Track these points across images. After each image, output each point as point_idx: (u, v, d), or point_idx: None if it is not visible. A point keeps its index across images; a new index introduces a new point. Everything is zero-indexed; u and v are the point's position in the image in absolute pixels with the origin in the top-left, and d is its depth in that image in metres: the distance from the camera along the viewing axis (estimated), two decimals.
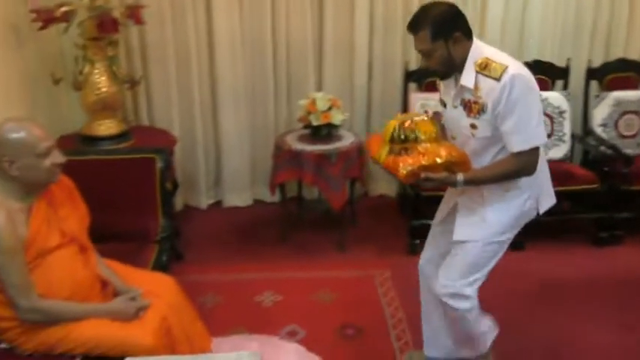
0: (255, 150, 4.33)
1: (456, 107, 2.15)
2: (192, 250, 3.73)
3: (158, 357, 2.01)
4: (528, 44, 4.19)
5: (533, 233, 3.69)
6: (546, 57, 4.13)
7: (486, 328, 2.48)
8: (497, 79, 1.99)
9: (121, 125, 3.55)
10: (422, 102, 3.91)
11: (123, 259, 2.51)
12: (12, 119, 2.13)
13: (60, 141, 3.47)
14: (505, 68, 1.99)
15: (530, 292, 3.32)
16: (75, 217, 2.28)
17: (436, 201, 3.61)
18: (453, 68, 2.10)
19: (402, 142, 2.09)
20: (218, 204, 4.42)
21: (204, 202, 4.34)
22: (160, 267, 2.79)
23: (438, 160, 2.05)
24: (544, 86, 4.02)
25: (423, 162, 2.04)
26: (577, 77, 4.12)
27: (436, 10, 2.05)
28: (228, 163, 4.31)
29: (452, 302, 2.26)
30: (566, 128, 3.91)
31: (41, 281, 2.08)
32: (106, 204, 2.88)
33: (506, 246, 2.28)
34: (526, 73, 2.03)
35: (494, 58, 2.04)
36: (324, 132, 3.70)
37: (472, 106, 2.09)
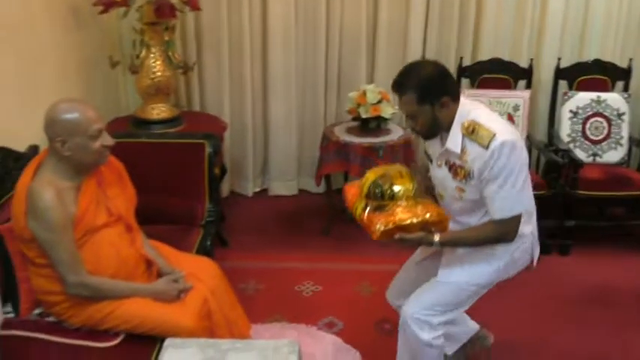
0: (302, 140, 4.33)
1: (440, 166, 2.10)
2: (236, 236, 3.76)
3: (197, 339, 2.04)
4: (589, 42, 4.04)
5: (580, 238, 3.64)
6: (607, 56, 3.98)
7: None
8: (485, 147, 1.92)
9: (173, 110, 3.59)
10: (473, 99, 3.83)
11: (168, 241, 2.55)
12: (66, 100, 2.17)
13: (114, 123, 3.55)
14: (493, 135, 1.92)
15: (575, 298, 3.22)
16: (122, 197, 2.32)
17: None
18: (438, 130, 2.04)
19: (378, 198, 2.04)
20: (264, 192, 4.44)
21: (250, 189, 4.37)
22: (204, 251, 2.82)
23: (415, 220, 1.99)
24: (603, 87, 3.88)
25: (398, 222, 1.98)
26: (639, 79, 3.96)
27: (423, 72, 1.98)
28: (276, 152, 4.32)
29: (415, 327, 2.15)
30: (624, 131, 3.77)
31: (88, 258, 2.14)
32: (154, 186, 2.94)
33: (489, 288, 2.20)
34: (514, 137, 1.96)
35: (482, 121, 1.97)
36: (372, 125, 3.67)
37: (458, 170, 2.03)
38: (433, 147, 2.13)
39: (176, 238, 2.71)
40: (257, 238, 3.81)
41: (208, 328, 2.23)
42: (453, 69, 4.07)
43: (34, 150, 2.61)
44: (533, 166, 4.02)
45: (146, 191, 2.52)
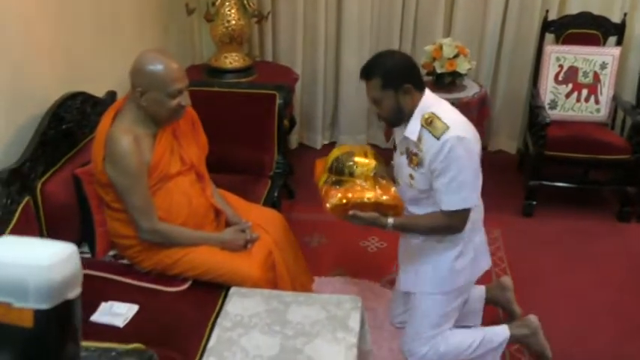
0: None
1: (402, 154, 2.14)
2: (303, 189, 3.76)
3: (261, 289, 2.06)
4: None
5: None
6: None
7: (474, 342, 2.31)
8: (437, 138, 1.95)
9: (245, 59, 3.58)
10: (557, 55, 3.62)
11: (236, 190, 2.57)
12: (155, 51, 2.16)
13: (188, 71, 3.55)
14: (446, 128, 1.95)
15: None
16: (195, 146, 2.34)
17: (559, 161, 3.45)
18: (401, 118, 2.07)
19: (338, 174, 2.11)
20: (333, 145, 4.41)
21: (319, 141, 4.36)
22: (271, 202, 2.84)
23: (366, 200, 2.03)
24: None
25: (350, 199, 2.03)
26: None
27: (390, 60, 2.05)
28: (346, 105, 4.27)
29: (409, 357, 2.28)
30: None
31: (161, 205, 2.18)
32: (224, 136, 2.96)
33: (456, 303, 2.21)
34: (469, 135, 1.98)
35: (440, 115, 1.99)
36: (447, 80, 3.57)
37: (412, 157, 2.07)
38: (397, 135, 2.18)
39: (244, 189, 2.74)
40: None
41: (272, 279, 2.26)
42: (537, 23, 3.86)
43: (111, 96, 2.66)
44: (618, 129, 3.80)
45: (216, 140, 2.54)
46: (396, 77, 2.01)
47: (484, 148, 4.24)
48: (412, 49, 4.07)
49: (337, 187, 2.08)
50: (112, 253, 2.35)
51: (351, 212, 2.04)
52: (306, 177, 3.97)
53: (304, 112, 4.30)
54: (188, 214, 2.23)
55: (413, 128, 2.02)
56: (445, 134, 1.94)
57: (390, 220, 2.06)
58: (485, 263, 2.24)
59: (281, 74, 3.67)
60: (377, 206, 2.05)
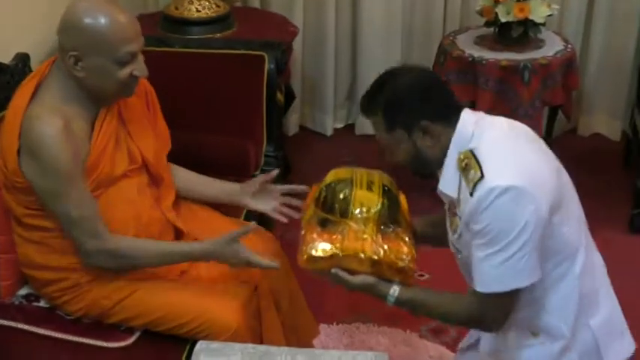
0: (409, 54, 4.27)
1: (446, 212, 2.10)
2: (305, 194, 3.74)
3: (242, 345, 2.05)
4: None
5: None
6: None
7: None
8: (470, 194, 1.88)
9: (220, 5, 3.58)
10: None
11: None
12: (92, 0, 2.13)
13: None
14: (479, 179, 1.86)
15: None
16: (151, 135, 2.34)
17: None
18: (430, 166, 2.03)
19: (327, 210, 2.05)
20: (349, 129, 4.43)
21: (329, 124, 4.37)
22: (257, 216, 2.77)
23: (361, 255, 1.97)
24: None
25: (337, 251, 1.97)
26: None
27: (394, 84, 1.99)
28: (369, 71, 4.23)
29: None
30: None
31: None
32: (189, 117, 2.96)
33: None
34: (519, 182, 1.85)
35: (480, 153, 1.90)
36: (516, 33, 3.57)
37: (452, 220, 2.04)
38: None
39: None
40: None
41: (256, 328, 2.27)
42: None
43: (22, 60, 2.65)
44: None
45: (177, 124, 2.53)
46: (404, 112, 1.96)
47: (571, 131, 4.31)
48: None
49: (321, 228, 2.03)
50: (23, 291, 2.34)
51: (333, 270, 2.00)
52: (312, 176, 3.94)
53: (307, 83, 4.30)
54: (135, 233, 2.23)
55: (448, 178, 1.98)
56: (479, 187, 1.86)
57: (394, 291, 2.01)
58: (629, 347, 2.13)
59: (272, 27, 3.66)
60: (376, 266, 2.00)
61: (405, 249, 2.02)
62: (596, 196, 3.77)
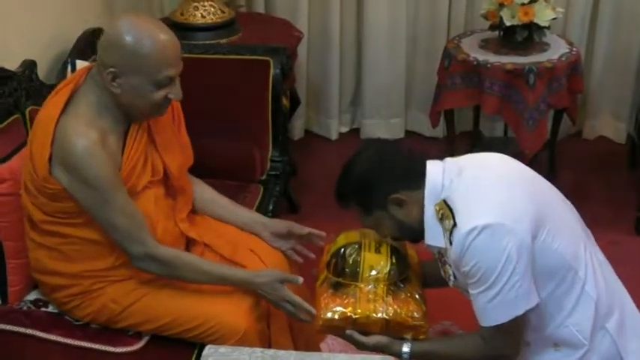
0: (414, 58, 4.27)
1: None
2: (311, 198, 3.76)
3: (250, 349, 2.05)
4: None
5: None
6: None
7: None
8: (450, 243, 1.95)
9: (225, 11, 3.59)
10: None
11: None
12: (140, 17, 2.14)
13: None
14: (452, 227, 1.93)
15: None
16: (176, 147, 2.34)
17: None
18: (417, 231, 2.06)
19: (338, 274, 2.13)
20: (354, 133, 4.43)
21: (334, 129, 4.37)
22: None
23: (373, 316, 2.05)
24: None
25: (350, 312, 2.05)
26: None
27: (355, 171, 2.08)
28: (374, 76, 4.27)
29: None
30: None
31: None
32: (195, 123, 2.91)
33: None
34: (493, 219, 1.89)
35: (452, 201, 1.96)
36: (521, 36, 3.58)
37: (445, 269, 2.10)
38: None
39: None
40: None
41: (265, 332, 2.26)
42: None
43: (30, 68, 2.66)
44: None
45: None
46: (373, 194, 2.04)
47: (577, 134, 4.31)
48: None
49: (334, 292, 2.11)
50: (30, 297, 2.35)
51: (348, 332, 2.08)
52: (317, 181, 3.98)
53: (312, 87, 4.30)
54: None
55: (432, 231, 2.02)
56: (455, 234, 1.92)
57: (407, 347, 2.06)
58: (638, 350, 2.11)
59: (277, 32, 3.68)
60: (388, 325, 2.07)
61: (416, 306, 2.08)
62: (601, 198, 3.81)
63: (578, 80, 3.63)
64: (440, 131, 4.18)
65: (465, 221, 1.90)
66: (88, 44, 2.97)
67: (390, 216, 2.05)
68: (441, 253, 2.07)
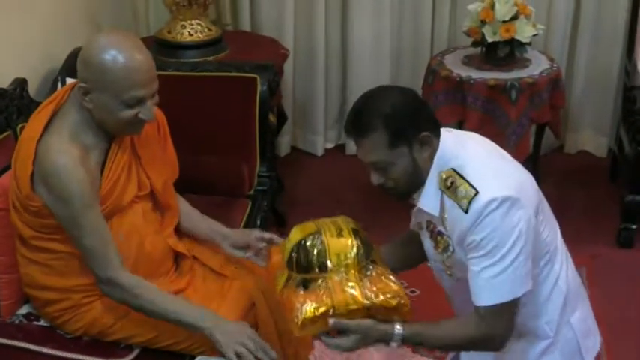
0: (398, 74, 4.30)
1: (422, 229, 2.09)
2: (298, 212, 3.75)
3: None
4: None
5: None
6: None
7: None
8: (464, 210, 1.88)
9: (212, 29, 3.62)
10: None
11: None
12: (115, 35, 2.14)
13: None
14: (474, 195, 1.87)
15: None
16: (161, 162, 2.36)
17: None
18: (419, 183, 1.99)
19: (303, 269, 1.96)
20: (340, 150, 4.45)
21: (320, 145, 4.40)
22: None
23: (353, 305, 1.91)
24: None
25: (327, 306, 1.90)
26: None
27: (389, 101, 1.94)
28: (359, 93, 4.03)
29: None
30: None
31: None
32: (183, 139, 2.93)
33: None
34: (512, 192, 1.88)
35: (466, 172, 1.91)
36: (502, 53, 3.61)
37: (438, 239, 2.00)
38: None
39: (213, 214, 2.71)
40: (328, 216, 3.78)
41: None
42: None
43: (21, 86, 2.69)
44: None
45: (172, 145, 2.54)
46: (407, 125, 1.92)
47: (559, 149, 4.36)
48: (451, 9, 4.13)
49: (304, 290, 1.94)
50: (23, 310, 2.37)
51: (331, 322, 1.92)
52: (304, 196, 4.00)
53: (298, 104, 4.33)
54: (137, 258, 2.25)
55: (429, 196, 1.97)
56: (474, 202, 1.87)
57: (399, 329, 1.95)
58: (596, 340, 2.17)
59: (263, 50, 3.70)
60: (371, 311, 1.94)
61: (394, 286, 1.96)
62: (583, 211, 3.84)
63: (560, 95, 3.67)
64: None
65: (486, 191, 1.86)
66: (77, 62, 3.02)
67: (411, 155, 1.93)
68: (432, 223, 2.00)
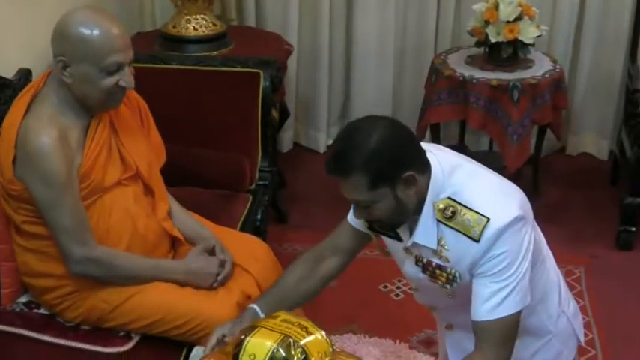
0: (401, 73, 4.32)
1: (405, 260, 2.01)
2: (299, 209, 3.80)
3: None
4: None
5: None
6: None
7: None
8: (476, 240, 1.83)
9: (217, 24, 3.63)
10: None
11: (202, 211, 2.59)
12: (88, 9, 2.21)
13: (134, 40, 3.59)
14: (486, 222, 1.82)
15: None
16: (144, 147, 2.38)
17: None
18: (405, 219, 1.92)
19: None
20: None
21: (323, 142, 4.41)
22: (253, 228, 2.88)
23: None
24: None
25: None
26: None
27: (371, 139, 1.82)
28: (362, 90, 4.34)
29: None
30: None
31: (94, 228, 2.22)
32: (185, 132, 3.00)
33: None
34: (518, 211, 1.85)
35: (465, 199, 1.86)
36: (506, 53, 3.62)
37: (437, 273, 1.93)
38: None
39: (213, 208, 2.77)
40: (330, 214, 3.77)
41: None
42: None
43: (25, 76, 2.71)
44: None
45: (173, 139, 2.58)
46: (387, 166, 1.82)
47: (560, 150, 4.38)
48: (456, 9, 4.15)
49: None
50: (23, 299, 2.38)
51: None
52: (305, 192, 4.01)
53: (301, 100, 4.35)
54: (130, 240, 2.28)
55: (427, 229, 1.90)
56: (486, 230, 1.82)
57: None
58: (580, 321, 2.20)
59: (267, 45, 3.71)
60: None
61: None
62: (583, 213, 3.85)
63: (562, 97, 3.68)
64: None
65: (495, 215, 1.82)
66: None
67: (394, 194, 1.84)
68: (425, 257, 1.93)
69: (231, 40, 3.64)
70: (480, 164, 2.00)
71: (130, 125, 2.35)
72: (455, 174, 1.90)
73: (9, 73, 2.66)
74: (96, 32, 2.11)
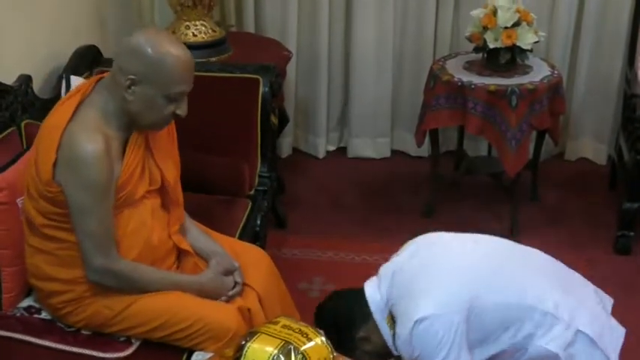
0: (400, 78, 4.34)
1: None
2: (298, 214, 3.81)
3: None
4: None
5: None
6: None
7: None
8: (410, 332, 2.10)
9: (216, 30, 3.64)
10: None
11: (200, 217, 2.60)
12: (164, 32, 2.25)
13: None
14: (394, 334, 2.17)
15: None
16: (171, 161, 2.40)
17: None
18: (388, 352, 2.21)
19: None
20: (341, 152, 4.49)
21: (322, 147, 4.42)
22: (251, 235, 2.90)
23: None
24: None
25: None
26: None
27: (325, 313, 2.27)
28: (361, 95, 4.35)
29: None
30: None
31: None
32: (185, 138, 2.96)
33: None
34: (425, 312, 2.07)
35: (395, 308, 2.15)
36: (504, 59, 3.62)
37: None
38: None
39: (211, 214, 2.79)
40: (329, 219, 3.83)
41: None
42: None
43: (26, 82, 2.73)
44: None
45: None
46: (345, 343, 2.14)
47: (558, 155, 4.39)
48: (454, 15, 4.16)
49: None
50: (23, 304, 2.40)
51: None
52: (304, 197, 4.02)
53: (300, 106, 4.37)
54: (141, 252, 2.29)
55: (403, 340, 2.12)
56: (397, 341, 2.15)
57: None
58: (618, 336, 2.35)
59: (267, 51, 3.72)
60: None
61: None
62: (582, 218, 3.86)
63: (560, 102, 3.69)
64: (425, 150, 4.23)
65: (405, 324, 2.07)
66: (81, 60, 3.06)
67: (364, 352, 2.20)
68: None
69: (230, 46, 3.65)
70: (455, 236, 2.29)
71: (162, 141, 2.37)
72: (390, 286, 2.18)
73: (9, 80, 2.69)
74: (171, 60, 2.13)
